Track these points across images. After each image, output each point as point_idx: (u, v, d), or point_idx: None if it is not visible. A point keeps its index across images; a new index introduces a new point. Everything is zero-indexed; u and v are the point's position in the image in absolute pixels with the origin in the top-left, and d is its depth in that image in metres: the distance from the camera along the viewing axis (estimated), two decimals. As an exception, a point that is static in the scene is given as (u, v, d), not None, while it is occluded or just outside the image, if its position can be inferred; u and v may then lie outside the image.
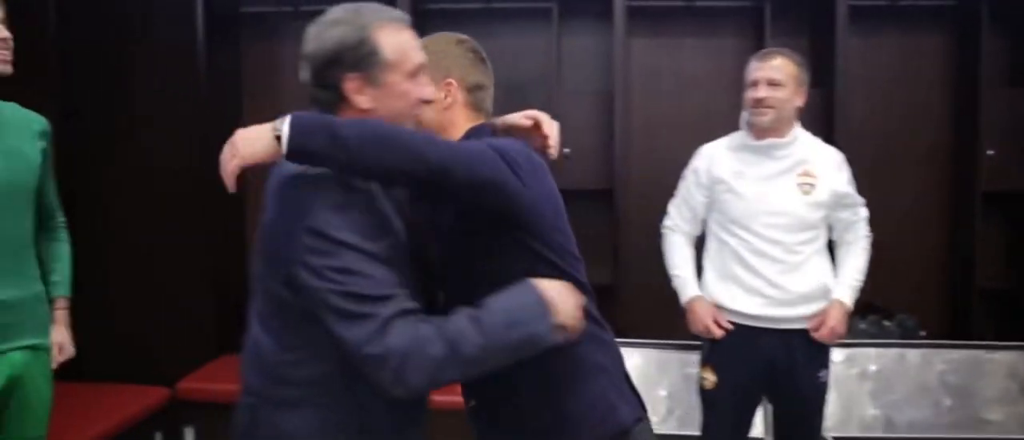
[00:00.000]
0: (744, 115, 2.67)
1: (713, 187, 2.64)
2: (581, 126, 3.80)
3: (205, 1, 3.68)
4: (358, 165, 1.36)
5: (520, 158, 1.50)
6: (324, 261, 1.34)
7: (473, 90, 1.68)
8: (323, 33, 1.46)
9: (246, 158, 1.38)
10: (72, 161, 3.67)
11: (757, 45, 3.81)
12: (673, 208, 2.80)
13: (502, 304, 1.40)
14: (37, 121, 2.19)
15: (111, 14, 3.88)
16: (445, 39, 1.71)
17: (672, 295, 2.75)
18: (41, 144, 2.18)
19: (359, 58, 1.43)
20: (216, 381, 3.41)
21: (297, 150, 1.34)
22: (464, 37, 1.73)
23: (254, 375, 1.50)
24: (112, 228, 3.92)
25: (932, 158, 3.94)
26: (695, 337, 2.73)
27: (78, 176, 3.74)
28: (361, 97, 1.45)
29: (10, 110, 2.14)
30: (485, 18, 3.88)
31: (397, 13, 1.50)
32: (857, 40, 3.71)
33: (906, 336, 3.63)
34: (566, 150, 3.82)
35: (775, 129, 2.58)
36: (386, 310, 1.33)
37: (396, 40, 1.46)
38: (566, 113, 3.72)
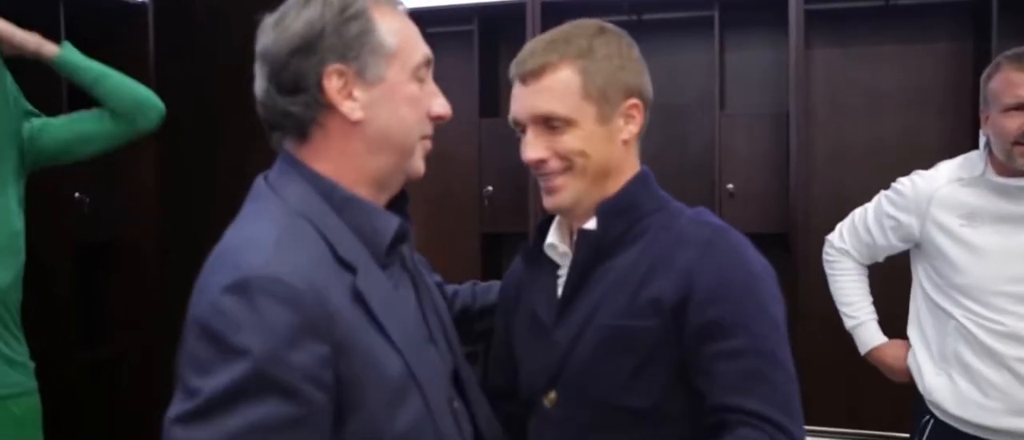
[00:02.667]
0: (985, 138, 1.95)
1: (929, 237, 1.95)
2: (749, 156, 3.36)
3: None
4: None
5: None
6: None
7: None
8: (286, 19, 1.02)
9: None
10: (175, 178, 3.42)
11: (978, 50, 3.17)
12: (847, 233, 2.15)
13: None
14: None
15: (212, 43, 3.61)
16: (601, 32, 1.20)
17: (867, 368, 2.16)
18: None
19: (346, 39, 1.00)
20: None
21: None
22: (618, 28, 1.23)
23: None
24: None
25: None
26: (896, 424, 2.06)
27: (179, 196, 3.46)
28: (350, 102, 1.01)
29: None
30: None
31: None
32: (1122, 39, 2.87)
33: None
34: (729, 186, 3.32)
35: None
36: None
37: (398, 24, 1.05)
38: (731, 140, 3.39)
